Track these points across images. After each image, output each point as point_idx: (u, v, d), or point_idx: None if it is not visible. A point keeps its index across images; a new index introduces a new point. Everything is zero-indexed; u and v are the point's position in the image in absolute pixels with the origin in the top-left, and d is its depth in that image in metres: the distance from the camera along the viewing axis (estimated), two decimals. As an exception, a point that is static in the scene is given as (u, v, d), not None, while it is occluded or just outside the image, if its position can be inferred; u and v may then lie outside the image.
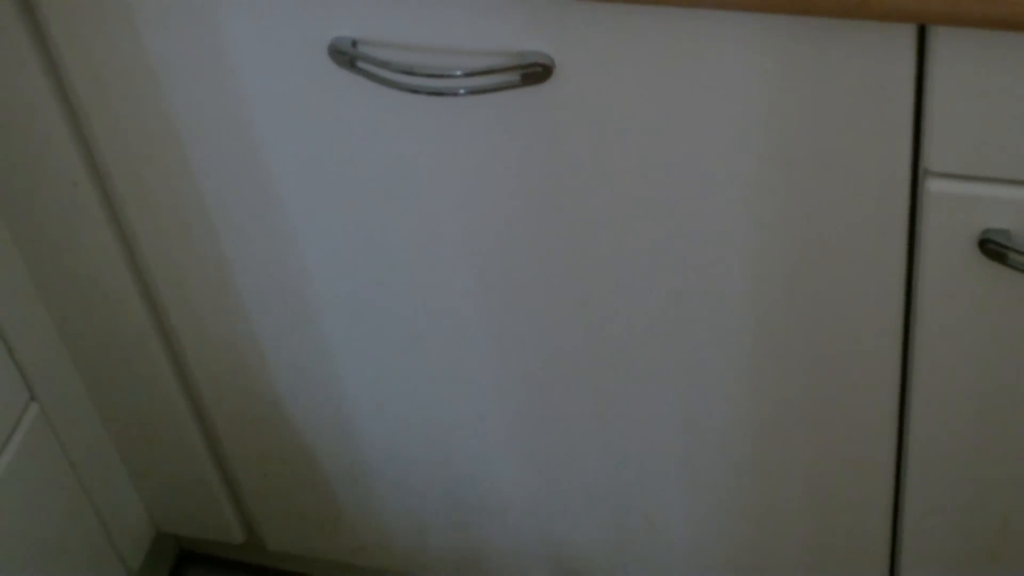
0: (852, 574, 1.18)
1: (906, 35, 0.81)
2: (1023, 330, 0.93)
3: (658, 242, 0.98)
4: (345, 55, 0.91)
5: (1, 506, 1.16)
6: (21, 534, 1.20)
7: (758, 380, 1.05)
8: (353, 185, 1.02)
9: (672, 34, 0.85)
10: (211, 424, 1.29)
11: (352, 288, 1.10)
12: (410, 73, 0.90)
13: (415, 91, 0.91)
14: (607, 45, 0.87)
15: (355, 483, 1.30)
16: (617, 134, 0.92)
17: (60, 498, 1.25)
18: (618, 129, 0.92)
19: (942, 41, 0.80)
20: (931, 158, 0.86)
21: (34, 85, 1.03)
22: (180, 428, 1.29)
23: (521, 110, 0.92)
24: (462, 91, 0.90)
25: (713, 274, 0.99)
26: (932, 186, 0.87)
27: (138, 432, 1.31)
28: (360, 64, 0.91)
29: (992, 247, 0.88)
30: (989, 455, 1.03)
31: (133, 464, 1.35)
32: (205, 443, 1.32)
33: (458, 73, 0.89)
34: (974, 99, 0.82)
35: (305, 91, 0.96)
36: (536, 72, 0.88)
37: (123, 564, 1.35)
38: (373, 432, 1.24)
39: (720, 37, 0.84)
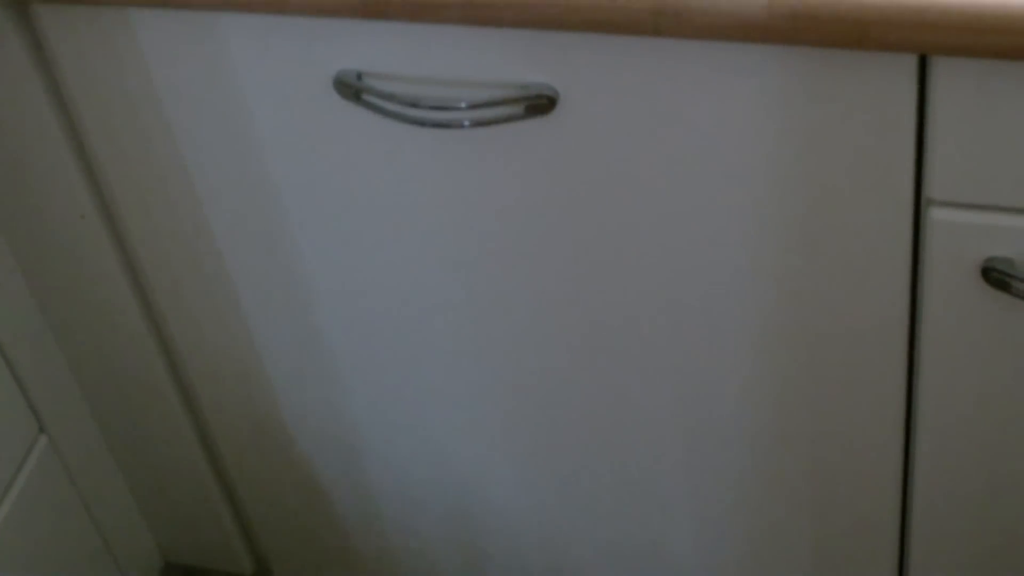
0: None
1: (907, 65, 0.81)
2: (1027, 358, 0.93)
3: (662, 270, 0.98)
4: (350, 87, 0.92)
5: (11, 537, 1.16)
6: (31, 565, 1.20)
7: (764, 398, 1.05)
8: (359, 217, 1.02)
9: (675, 65, 0.86)
10: (219, 454, 1.30)
11: (359, 318, 1.11)
12: (415, 105, 0.91)
13: (420, 123, 0.91)
14: (611, 76, 0.87)
15: (362, 512, 1.30)
16: (621, 165, 0.92)
17: (69, 529, 1.25)
18: (622, 160, 0.92)
19: (943, 71, 0.81)
20: (934, 187, 0.86)
21: (42, 120, 1.04)
22: (188, 459, 1.29)
23: (526, 142, 0.92)
24: (467, 123, 0.91)
25: (718, 302, 0.99)
26: (935, 215, 0.87)
27: (147, 463, 1.31)
28: (365, 97, 0.92)
29: (995, 275, 0.87)
30: (993, 474, 1.03)
31: (142, 495, 1.35)
32: (213, 473, 1.32)
33: (463, 105, 0.90)
34: (976, 128, 0.83)
35: (311, 123, 0.97)
36: (540, 104, 0.89)
37: (132, 595, 1.36)
38: (380, 460, 1.24)
39: (722, 68, 0.85)
